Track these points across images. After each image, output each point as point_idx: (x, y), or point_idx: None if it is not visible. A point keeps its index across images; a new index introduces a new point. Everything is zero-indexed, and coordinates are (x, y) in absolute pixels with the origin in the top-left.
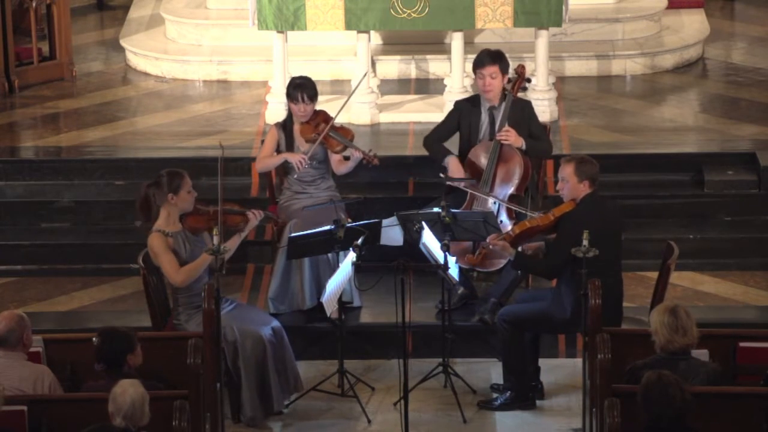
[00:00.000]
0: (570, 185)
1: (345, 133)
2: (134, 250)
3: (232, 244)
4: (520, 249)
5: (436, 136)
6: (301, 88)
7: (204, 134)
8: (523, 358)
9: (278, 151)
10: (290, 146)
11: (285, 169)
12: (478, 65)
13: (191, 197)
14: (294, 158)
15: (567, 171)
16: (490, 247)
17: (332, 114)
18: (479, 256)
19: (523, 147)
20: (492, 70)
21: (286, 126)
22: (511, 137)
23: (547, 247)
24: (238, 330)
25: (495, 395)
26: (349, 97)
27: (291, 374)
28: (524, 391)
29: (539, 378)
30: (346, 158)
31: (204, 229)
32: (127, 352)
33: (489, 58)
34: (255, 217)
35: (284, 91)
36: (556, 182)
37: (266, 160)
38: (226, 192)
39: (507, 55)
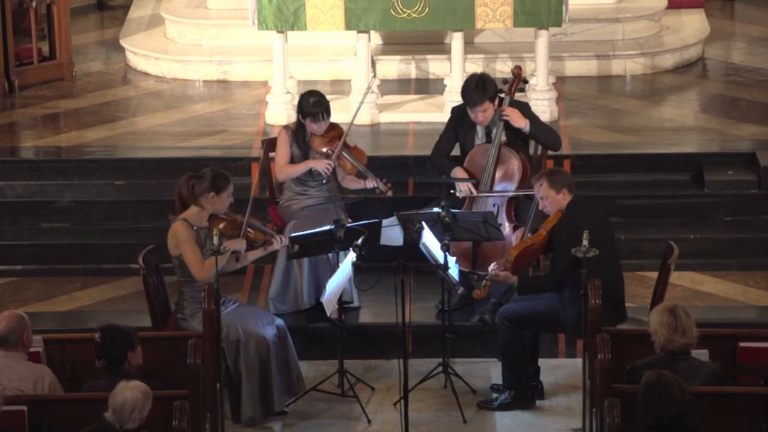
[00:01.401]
0: (550, 200)
1: (358, 155)
2: (134, 250)
3: (252, 256)
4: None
5: (441, 151)
6: (320, 106)
7: (204, 134)
8: (522, 357)
9: (291, 157)
10: (305, 156)
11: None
12: (468, 105)
13: (228, 201)
14: (320, 165)
15: (542, 189)
16: (494, 278)
17: (339, 122)
18: (485, 289)
19: (526, 129)
20: (483, 107)
21: (297, 136)
22: (511, 115)
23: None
24: (242, 330)
25: (495, 395)
26: (356, 114)
27: (294, 374)
28: (524, 391)
29: (539, 378)
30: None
31: (227, 235)
32: (128, 348)
33: (478, 97)
34: (278, 242)
35: (284, 91)
36: None
37: (289, 168)
38: None
39: (507, 56)
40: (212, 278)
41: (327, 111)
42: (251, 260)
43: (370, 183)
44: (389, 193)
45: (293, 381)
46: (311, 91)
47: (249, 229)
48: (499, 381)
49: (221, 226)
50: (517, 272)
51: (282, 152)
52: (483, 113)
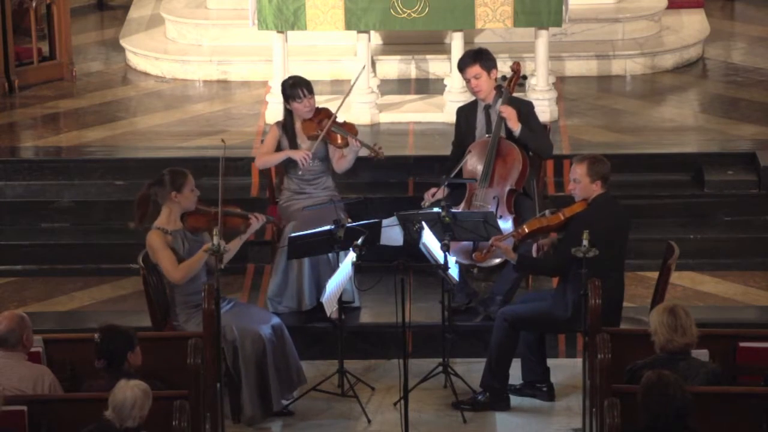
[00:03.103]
0: (582, 185)
1: (349, 129)
2: (134, 250)
3: (233, 246)
4: (534, 243)
5: (452, 155)
6: (299, 85)
7: (204, 134)
8: (509, 360)
9: (279, 150)
10: (293, 146)
11: (286, 168)
12: (459, 69)
13: (194, 196)
14: (298, 155)
15: (579, 171)
16: (493, 248)
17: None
18: (487, 254)
19: (517, 132)
20: (473, 71)
21: (286, 126)
22: (509, 114)
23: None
24: (237, 329)
25: (476, 395)
26: (350, 91)
27: (294, 369)
28: (499, 393)
29: (549, 379)
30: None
31: (204, 229)
32: (128, 349)
33: (469, 59)
34: (257, 220)
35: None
36: (555, 183)
37: (267, 157)
38: (226, 192)
39: (507, 56)
40: (188, 277)
41: (308, 88)
42: (235, 250)
43: (356, 144)
44: (382, 155)
45: (293, 376)
46: (289, 76)
47: (227, 218)
48: (513, 381)
49: (200, 221)
50: (523, 243)
51: (267, 143)
52: (475, 80)
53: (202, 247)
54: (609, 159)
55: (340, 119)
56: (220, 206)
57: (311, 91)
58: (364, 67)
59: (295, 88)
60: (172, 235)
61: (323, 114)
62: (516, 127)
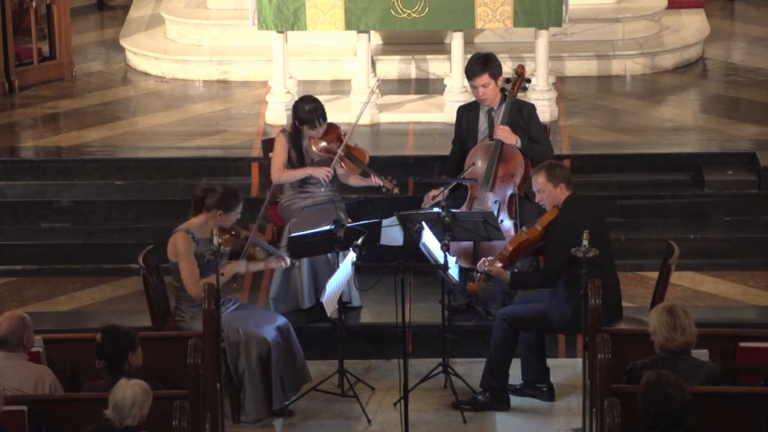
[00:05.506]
0: (547, 193)
1: (359, 154)
2: (134, 250)
3: (253, 268)
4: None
5: (449, 161)
6: (316, 112)
7: (204, 134)
8: (507, 362)
9: (289, 160)
10: (301, 160)
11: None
12: (468, 77)
13: (235, 218)
14: (320, 172)
15: (540, 181)
16: (486, 270)
17: (339, 122)
18: (479, 282)
19: (518, 144)
20: (482, 80)
21: (295, 141)
22: (503, 134)
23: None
24: (242, 332)
25: (476, 395)
26: (360, 116)
27: (300, 366)
28: (500, 394)
29: (549, 379)
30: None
31: (230, 247)
32: (129, 350)
33: (478, 68)
34: (279, 262)
35: (284, 91)
36: None
37: (287, 173)
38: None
39: (507, 56)
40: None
41: (323, 116)
42: (252, 270)
43: (375, 180)
44: (396, 191)
45: (298, 373)
46: (304, 98)
47: (253, 246)
48: (513, 381)
49: (225, 237)
50: (511, 262)
51: (279, 155)
52: (483, 88)
53: (205, 251)
54: (609, 159)
55: (338, 123)
56: (253, 233)
57: (326, 118)
58: (372, 92)
59: (312, 115)
60: (198, 241)
61: (333, 135)
62: (514, 140)
